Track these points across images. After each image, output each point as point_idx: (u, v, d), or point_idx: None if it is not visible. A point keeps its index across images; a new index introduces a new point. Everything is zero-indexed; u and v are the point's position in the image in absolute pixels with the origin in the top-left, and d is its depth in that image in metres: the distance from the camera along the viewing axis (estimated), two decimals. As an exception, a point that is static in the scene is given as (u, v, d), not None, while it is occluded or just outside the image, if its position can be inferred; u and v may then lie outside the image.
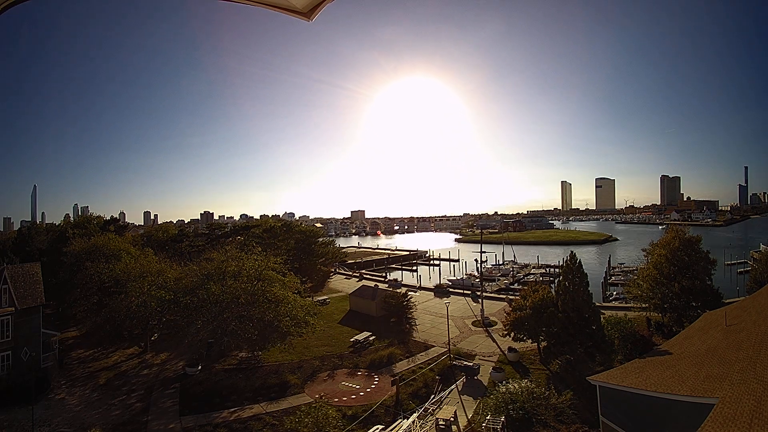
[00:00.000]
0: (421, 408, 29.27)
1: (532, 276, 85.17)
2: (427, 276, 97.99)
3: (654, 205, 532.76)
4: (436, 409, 29.25)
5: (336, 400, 30.87)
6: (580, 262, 38.59)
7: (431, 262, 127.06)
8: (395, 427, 26.98)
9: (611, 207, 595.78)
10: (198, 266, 42.14)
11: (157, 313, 39.93)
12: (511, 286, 77.52)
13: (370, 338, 44.66)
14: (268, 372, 36.34)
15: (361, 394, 32.54)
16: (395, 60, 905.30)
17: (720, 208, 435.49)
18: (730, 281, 65.26)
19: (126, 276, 43.04)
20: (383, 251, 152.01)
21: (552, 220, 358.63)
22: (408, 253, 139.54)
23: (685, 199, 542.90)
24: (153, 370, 38.59)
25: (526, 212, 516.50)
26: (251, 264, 40.80)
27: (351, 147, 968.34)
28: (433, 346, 42.38)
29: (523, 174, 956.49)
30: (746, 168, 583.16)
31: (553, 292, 39.28)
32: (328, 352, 41.75)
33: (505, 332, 39.06)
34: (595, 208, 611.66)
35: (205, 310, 37.04)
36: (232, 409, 30.31)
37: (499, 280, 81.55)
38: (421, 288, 73.29)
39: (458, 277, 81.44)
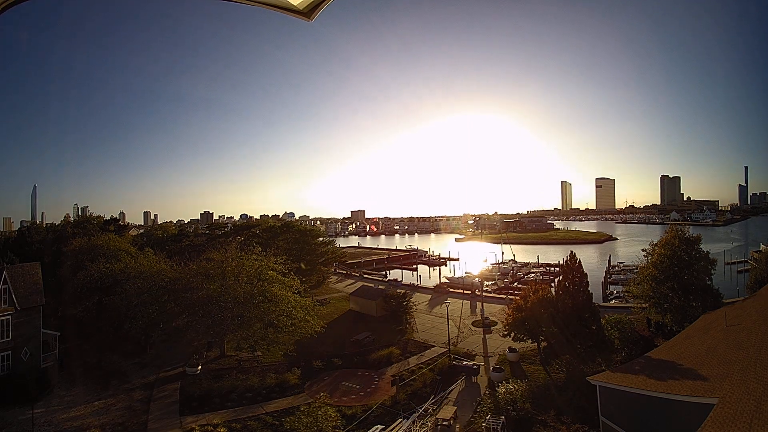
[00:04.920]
0: (421, 408, 29.25)
1: (532, 275, 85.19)
2: (427, 276, 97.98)
3: (654, 205, 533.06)
4: (436, 409, 29.25)
5: (336, 400, 30.90)
6: (580, 261, 38.61)
7: (431, 262, 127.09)
8: (395, 427, 26.98)
9: (611, 207, 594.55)
10: (198, 266, 42.14)
11: (156, 313, 39.90)
12: (511, 286, 77.55)
13: (370, 338, 44.69)
14: (268, 372, 36.32)
15: (361, 394, 32.57)
16: (396, 60, 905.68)
17: (720, 208, 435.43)
18: (730, 281, 65.23)
19: (125, 276, 43.03)
20: (383, 251, 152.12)
21: (552, 220, 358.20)
22: (408, 252, 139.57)
23: (685, 199, 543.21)
24: (153, 370, 38.59)
25: (526, 212, 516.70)
26: (251, 264, 40.75)
27: (351, 147, 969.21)
28: (433, 346, 42.38)
29: (523, 174, 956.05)
30: (746, 168, 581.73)
31: (553, 292, 39.28)
32: (327, 352, 41.75)
33: (505, 332, 39.05)
34: (595, 208, 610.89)
35: (205, 309, 37.00)
36: (232, 409, 30.32)
37: (499, 279, 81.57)
38: (420, 288, 73.31)
39: (458, 277, 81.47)
